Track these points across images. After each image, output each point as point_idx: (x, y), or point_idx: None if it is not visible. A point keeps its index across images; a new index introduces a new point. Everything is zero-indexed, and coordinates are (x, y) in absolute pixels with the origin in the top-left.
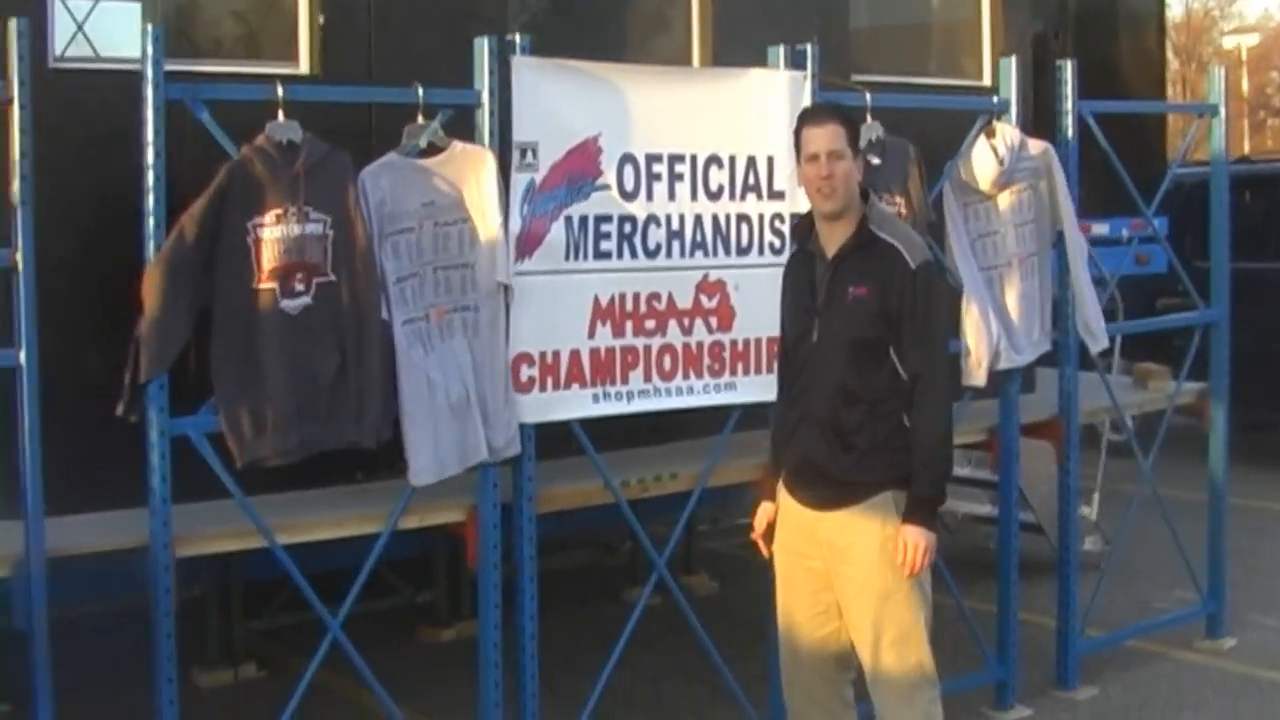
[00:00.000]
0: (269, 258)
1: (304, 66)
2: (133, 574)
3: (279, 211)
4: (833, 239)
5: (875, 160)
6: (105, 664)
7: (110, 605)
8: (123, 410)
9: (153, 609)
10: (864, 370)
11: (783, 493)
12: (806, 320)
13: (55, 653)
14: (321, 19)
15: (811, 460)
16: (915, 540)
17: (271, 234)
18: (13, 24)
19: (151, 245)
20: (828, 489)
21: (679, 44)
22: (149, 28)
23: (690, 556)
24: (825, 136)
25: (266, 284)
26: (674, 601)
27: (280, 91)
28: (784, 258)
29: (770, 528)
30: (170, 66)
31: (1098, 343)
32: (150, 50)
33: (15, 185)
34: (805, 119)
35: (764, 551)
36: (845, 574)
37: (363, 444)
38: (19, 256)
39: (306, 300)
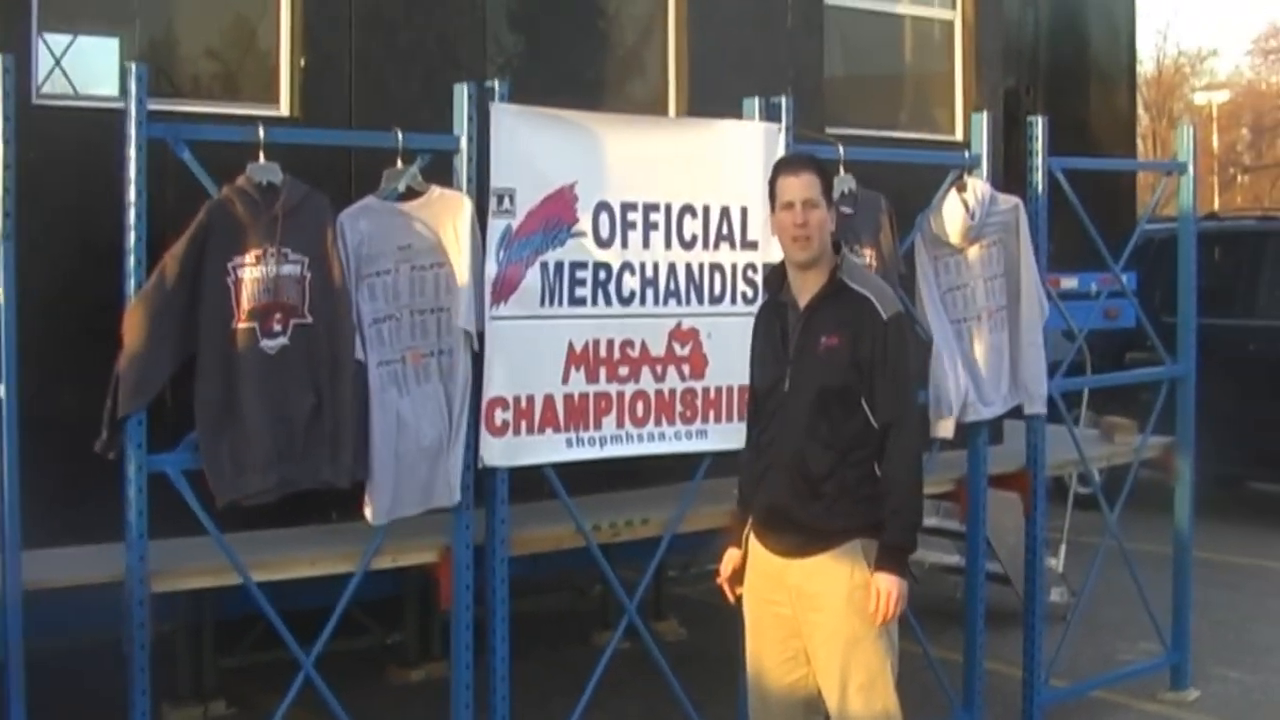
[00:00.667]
0: (248, 297)
1: (284, 108)
2: (107, 609)
3: (258, 252)
4: (805, 288)
5: (848, 211)
6: (76, 698)
7: (83, 640)
8: (101, 447)
9: (127, 643)
10: (834, 419)
11: (752, 539)
12: (778, 369)
13: (29, 686)
14: (303, 61)
15: (780, 507)
16: (888, 588)
17: (251, 274)
18: None
19: (132, 282)
20: (797, 536)
21: (655, 92)
22: (133, 67)
23: (660, 602)
24: (801, 185)
25: (245, 323)
26: (644, 646)
27: (262, 133)
28: (756, 307)
29: (736, 573)
30: (151, 106)
31: (1034, 405)
32: (134, 89)
33: None
34: (781, 168)
35: (729, 596)
36: (813, 620)
37: (337, 484)
38: (0, 291)
39: (284, 341)
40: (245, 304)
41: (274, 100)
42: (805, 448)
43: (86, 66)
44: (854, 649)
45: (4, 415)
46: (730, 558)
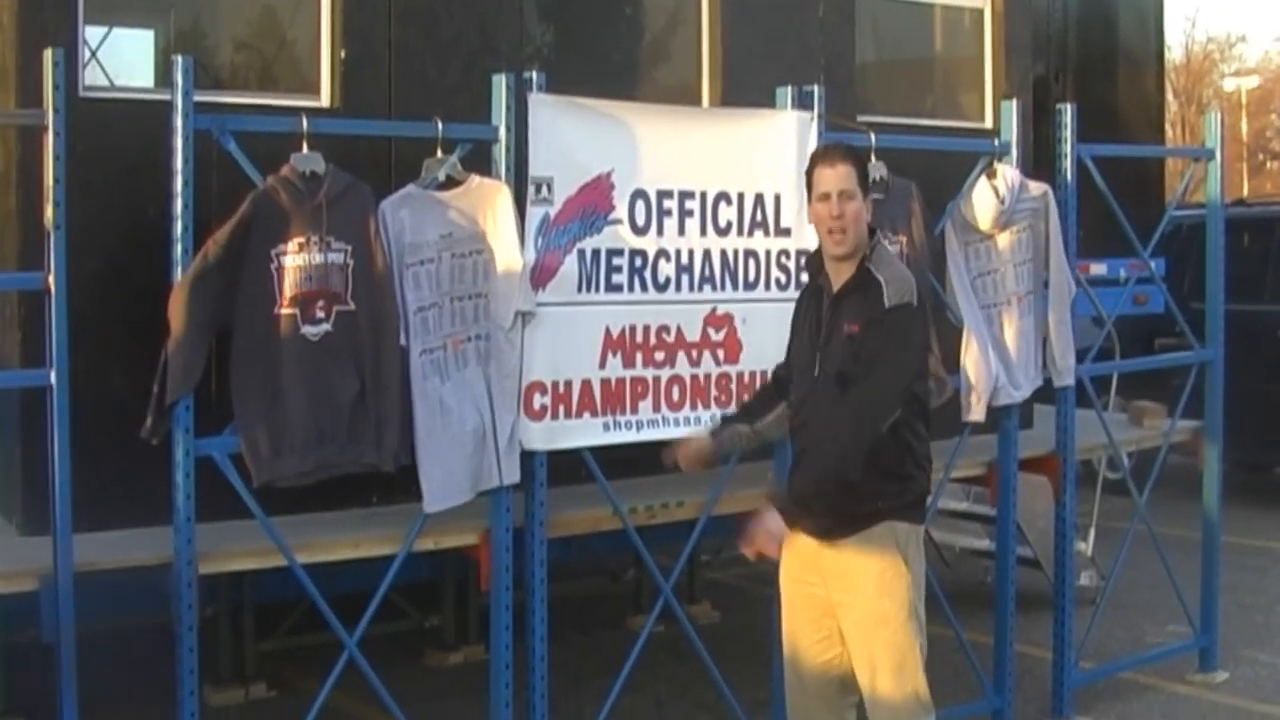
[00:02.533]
0: (291, 285)
1: (324, 99)
2: (153, 591)
3: (301, 240)
4: (839, 276)
5: (878, 197)
6: (120, 679)
7: (130, 621)
8: (148, 431)
9: (176, 625)
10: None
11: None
12: (810, 354)
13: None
14: (343, 53)
15: (814, 492)
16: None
17: (294, 262)
18: (49, 53)
19: (179, 271)
20: (829, 519)
21: (688, 81)
22: (179, 59)
23: (693, 586)
24: (837, 177)
25: (288, 310)
26: (678, 629)
27: (305, 124)
28: (790, 293)
29: (695, 452)
30: (195, 97)
31: (1062, 378)
32: (180, 81)
33: (49, 210)
34: (818, 159)
35: (677, 461)
36: (845, 602)
37: (381, 468)
38: (51, 279)
39: (327, 327)
40: (288, 291)
41: (314, 91)
42: (825, 430)
43: (121, 59)
44: (883, 630)
45: (56, 400)
46: (698, 436)
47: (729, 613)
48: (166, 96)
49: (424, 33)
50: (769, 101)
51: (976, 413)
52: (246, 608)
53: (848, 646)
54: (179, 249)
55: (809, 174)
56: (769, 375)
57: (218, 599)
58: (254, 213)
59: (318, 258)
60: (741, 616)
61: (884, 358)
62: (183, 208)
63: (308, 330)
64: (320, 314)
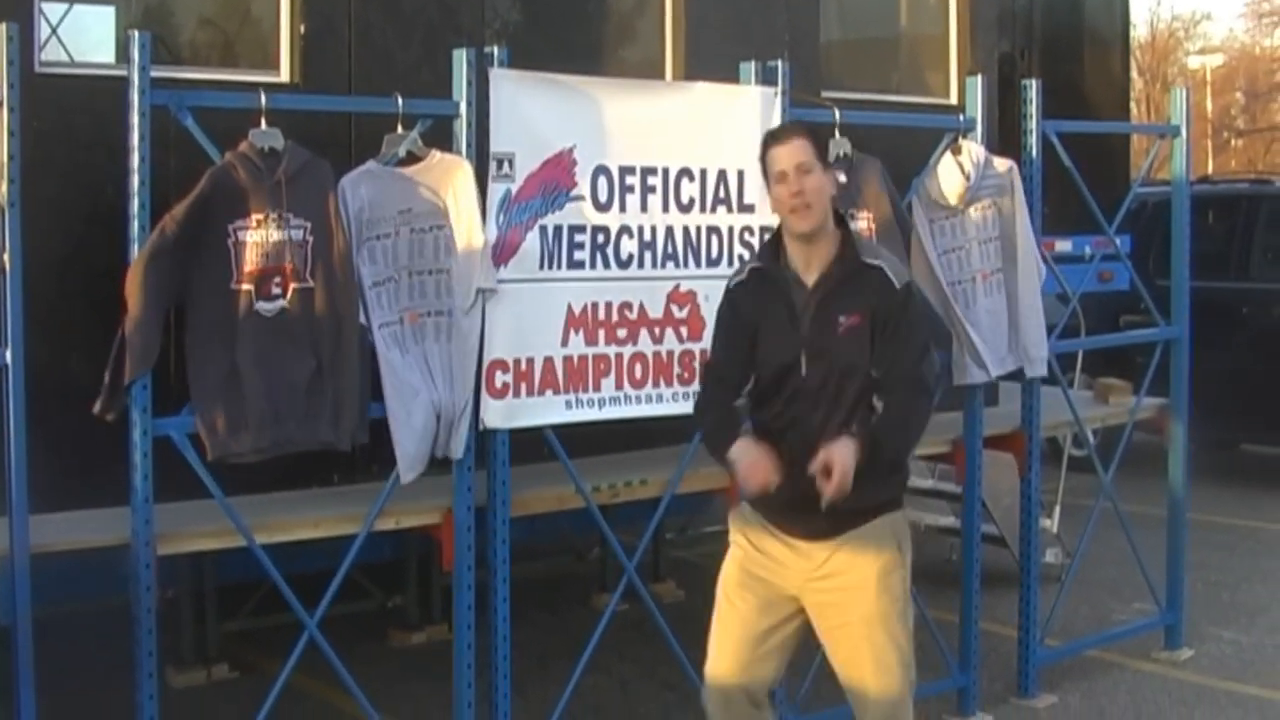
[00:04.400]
0: (248, 261)
1: (284, 75)
2: (111, 572)
3: (260, 216)
4: (811, 262)
5: (842, 178)
6: (81, 662)
7: (87, 604)
8: (100, 409)
9: (134, 606)
10: (862, 400)
11: (758, 523)
12: (791, 351)
13: (35, 650)
14: (303, 28)
15: (807, 494)
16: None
17: (252, 238)
18: (2, 27)
19: (135, 248)
20: (827, 519)
21: (652, 57)
22: (135, 34)
23: (658, 564)
24: (790, 152)
25: (245, 286)
26: (643, 608)
27: (264, 99)
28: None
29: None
30: (153, 74)
31: (1034, 369)
32: (137, 57)
33: (3, 187)
34: (769, 140)
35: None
36: (835, 602)
37: (338, 446)
38: (7, 258)
39: (283, 304)
40: (245, 267)
41: (274, 67)
42: (826, 430)
43: (82, 36)
44: (882, 628)
45: (11, 380)
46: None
47: (694, 591)
48: (125, 73)
49: (385, 8)
50: (733, 78)
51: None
52: (208, 589)
53: (836, 645)
54: (136, 227)
55: (763, 158)
56: (709, 380)
57: (179, 580)
58: (212, 189)
59: (276, 234)
60: (706, 595)
61: (912, 330)
62: (139, 185)
63: (263, 307)
64: (277, 290)
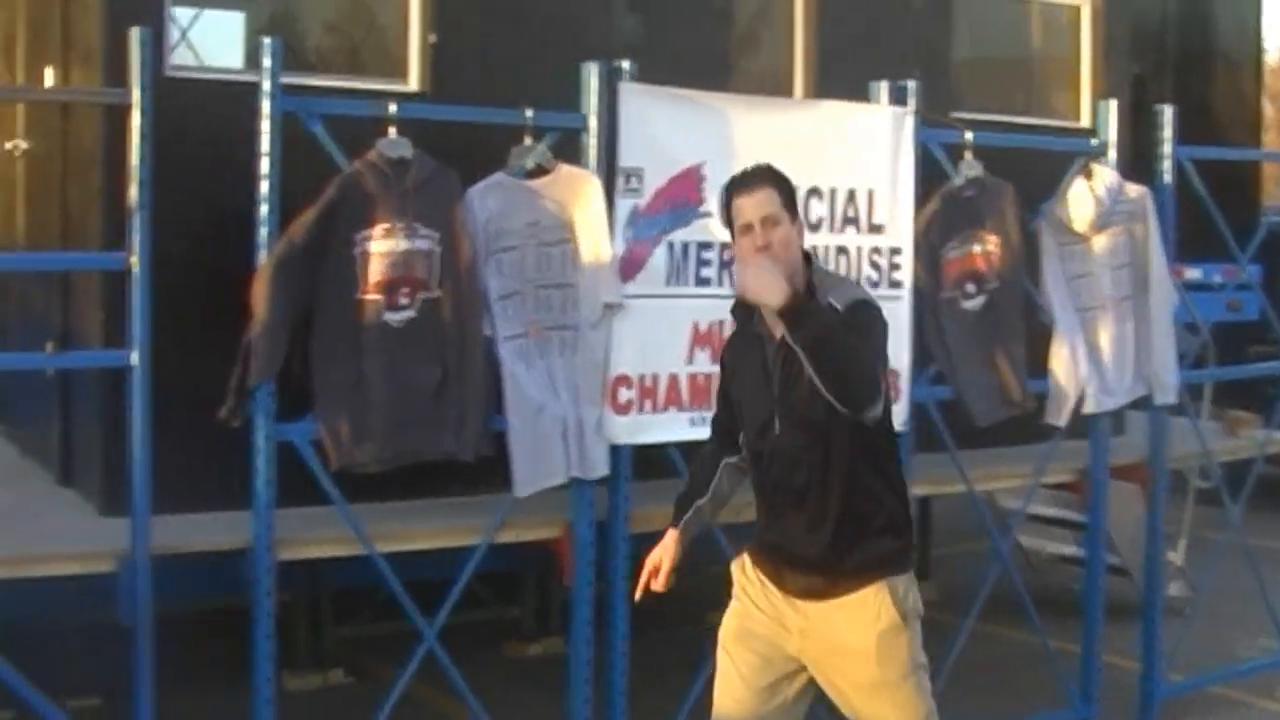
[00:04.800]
0: (375, 271)
1: (413, 84)
2: (230, 575)
3: (387, 226)
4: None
5: (970, 194)
6: (196, 662)
7: (204, 605)
8: (225, 414)
9: (253, 611)
10: (831, 451)
11: (757, 579)
12: (766, 410)
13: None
14: (433, 38)
15: (800, 555)
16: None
17: (379, 248)
18: (135, 32)
19: (263, 254)
20: (819, 578)
21: (779, 71)
22: (266, 41)
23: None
24: (756, 204)
25: (372, 296)
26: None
27: (393, 108)
28: (881, 291)
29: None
30: (283, 80)
31: (1165, 396)
32: (268, 62)
33: (133, 190)
34: (732, 187)
35: (656, 584)
36: (839, 666)
37: (461, 457)
38: (135, 259)
39: (410, 314)
40: (373, 277)
41: (402, 76)
42: (810, 490)
43: (212, 41)
44: (888, 696)
45: (137, 381)
46: (663, 543)
47: None
48: (254, 78)
49: (513, 18)
50: (862, 95)
51: (1061, 418)
52: (325, 594)
53: (847, 711)
54: (264, 232)
55: (726, 207)
56: (711, 430)
57: (295, 585)
58: (340, 197)
59: (403, 244)
60: None
61: (856, 341)
62: (269, 190)
63: (390, 317)
64: (404, 301)
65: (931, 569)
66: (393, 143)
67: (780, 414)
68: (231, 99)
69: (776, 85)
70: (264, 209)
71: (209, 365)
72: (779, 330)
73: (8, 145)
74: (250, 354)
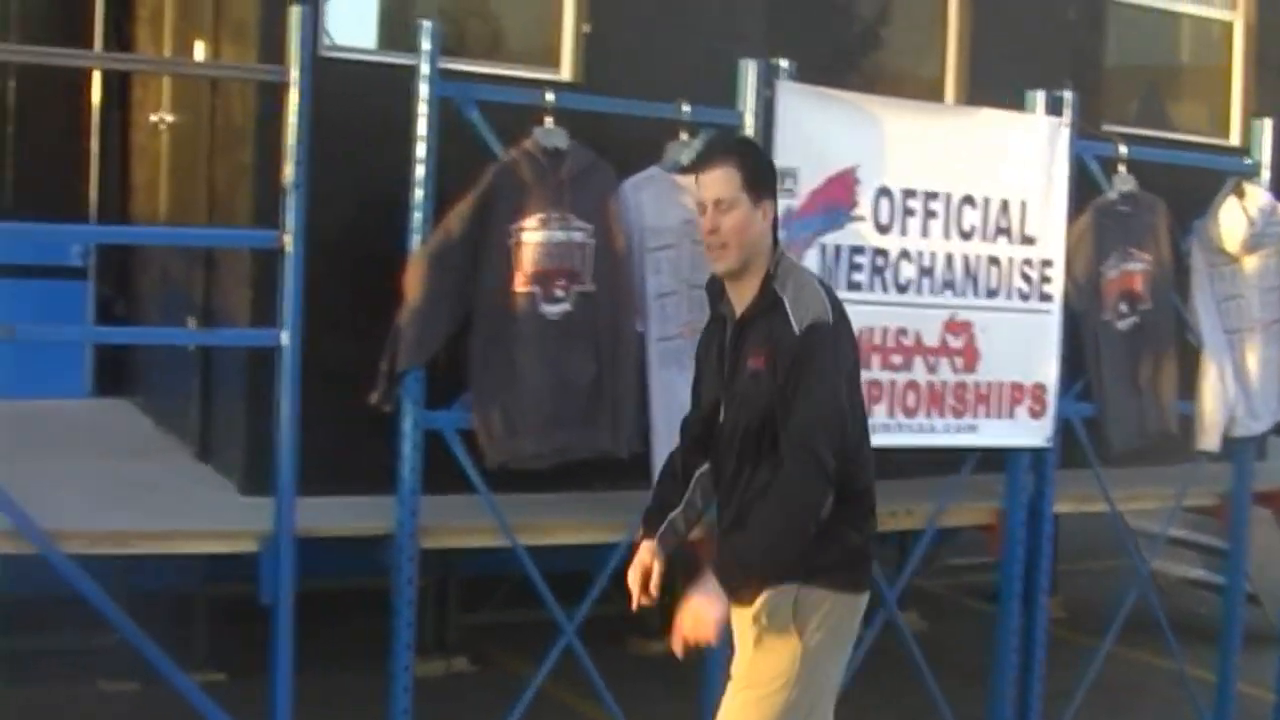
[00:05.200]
0: (530, 261)
1: (565, 73)
2: (364, 558)
3: (542, 216)
4: (739, 300)
5: (1125, 210)
6: (325, 642)
7: (329, 585)
8: (377, 399)
9: (394, 598)
10: (765, 454)
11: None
12: (715, 396)
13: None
14: (587, 28)
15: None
16: (693, 611)
17: (533, 238)
18: (294, 9)
19: (416, 238)
20: (731, 587)
21: (931, 77)
22: (426, 24)
23: (902, 594)
24: (711, 182)
25: (526, 287)
26: (889, 637)
27: (551, 97)
28: (1031, 304)
29: (647, 574)
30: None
31: None
32: (427, 46)
33: (288, 168)
34: (696, 162)
35: (637, 600)
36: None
37: (617, 454)
38: (288, 238)
39: (566, 306)
40: (527, 268)
41: (554, 65)
42: (743, 484)
43: (345, 20)
44: (740, 696)
45: (286, 362)
46: (641, 557)
47: (936, 621)
48: (408, 60)
49: (669, 10)
50: (1014, 103)
51: (1209, 442)
52: (452, 580)
53: None
54: (418, 217)
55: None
56: (680, 432)
57: (425, 570)
58: (495, 186)
59: (559, 235)
60: (949, 626)
61: (799, 403)
62: (424, 175)
63: (547, 309)
64: (560, 293)
65: (1059, 585)
66: (549, 132)
67: (726, 400)
68: (383, 81)
69: (927, 90)
70: (418, 193)
71: (355, 348)
72: (740, 309)
73: (153, 118)
74: (400, 339)
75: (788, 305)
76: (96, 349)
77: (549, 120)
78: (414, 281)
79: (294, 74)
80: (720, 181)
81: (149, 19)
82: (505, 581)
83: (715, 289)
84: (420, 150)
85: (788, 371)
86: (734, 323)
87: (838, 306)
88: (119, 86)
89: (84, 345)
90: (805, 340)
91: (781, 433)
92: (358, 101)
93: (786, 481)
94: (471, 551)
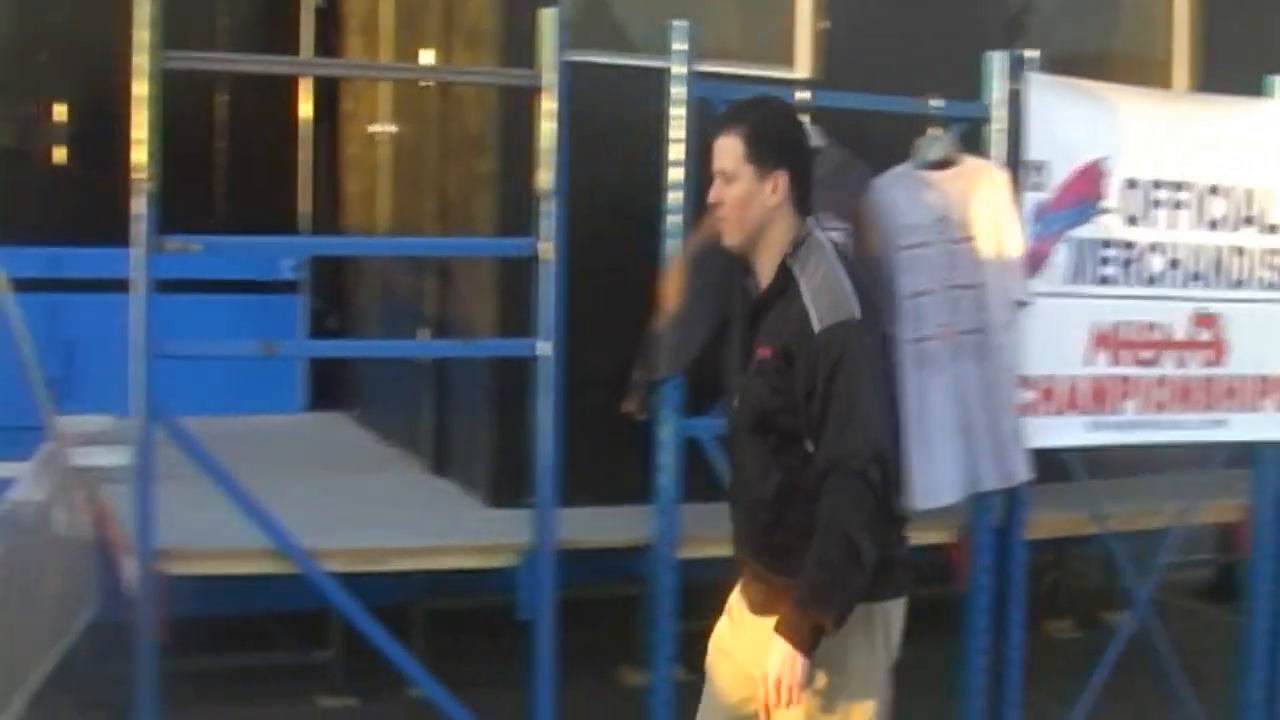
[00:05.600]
0: None
1: (801, 70)
2: (613, 566)
3: None
4: (761, 277)
5: None
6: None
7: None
8: (631, 408)
9: (654, 609)
10: (773, 448)
11: (738, 590)
12: (732, 381)
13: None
14: (824, 24)
15: (743, 555)
16: (775, 669)
17: None
18: (548, 12)
19: (670, 243)
20: (757, 590)
21: (1158, 63)
22: (680, 24)
23: (1109, 594)
24: (718, 152)
25: None
26: (1093, 635)
27: (803, 95)
28: (1276, 294)
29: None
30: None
31: None
32: (682, 46)
33: (542, 175)
34: (713, 125)
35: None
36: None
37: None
38: (547, 245)
39: None
40: None
41: (789, 62)
42: (752, 481)
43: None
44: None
45: (546, 372)
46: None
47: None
48: (652, 62)
49: (906, 4)
50: (1248, 89)
51: None
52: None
53: None
54: (672, 220)
55: None
56: None
57: (640, 579)
58: None
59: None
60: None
61: (833, 423)
62: (678, 178)
63: None
64: None
65: None
66: None
67: (739, 388)
68: (631, 82)
69: (1155, 76)
70: (672, 197)
71: (606, 355)
72: (762, 285)
73: (370, 129)
74: (657, 346)
75: (806, 295)
76: (311, 363)
77: (806, 119)
78: (670, 286)
79: (548, 78)
80: (723, 151)
81: (359, 29)
82: (719, 589)
83: (744, 262)
84: (675, 153)
85: (810, 380)
86: (750, 304)
87: (867, 297)
88: (327, 99)
89: (298, 360)
90: (829, 343)
91: (820, 435)
92: (601, 105)
93: (834, 512)
94: (685, 559)
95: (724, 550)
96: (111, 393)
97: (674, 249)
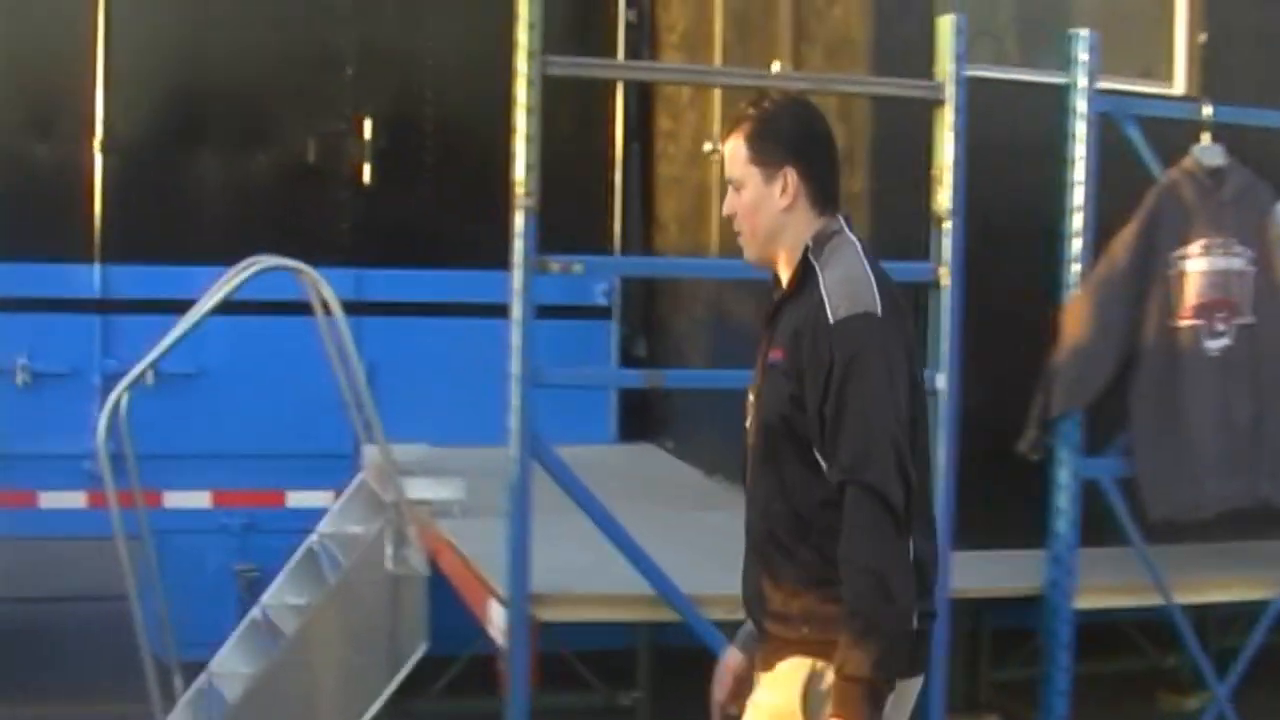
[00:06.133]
0: (1193, 293)
1: (1177, 86)
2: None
3: (1205, 242)
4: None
5: None
6: None
7: None
8: (1025, 446)
9: (1047, 662)
10: (787, 467)
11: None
12: (748, 395)
13: None
14: (1203, 37)
15: (748, 595)
16: None
17: (1196, 266)
18: (948, 20)
19: (1074, 269)
20: (762, 632)
21: None
22: (1080, 34)
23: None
24: (726, 159)
25: (1189, 321)
26: None
27: (1208, 111)
28: None
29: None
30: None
31: None
32: (1084, 57)
33: (941, 196)
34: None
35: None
36: None
37: (1274, 503)
38: (944, 271)
39: (1226, 341)
40: (1189, 300)
41: (1166, 77)
42: (763, 508)
43: None
44: None
45: (945, 406)
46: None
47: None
48: (1040, 77)
49: None
50: None
51: None
52: (984, 633)
53: None
54: (1076, 245)
55: None
56: None
57: (955, 623)
58: (1159, 210)
59: (1220, 263)
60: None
61: (853, 393)
62: (1082, 200)
63: (1209, 345)
64: (1221, 326)
65: None
66: (1209, 149)
67: (753, 401)
68: (1019, 97)
69: None
70: (1075, 220)
71: (996, 389)
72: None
73: (705, 148)
74: (1057, 380)
75: (824, 286)
76: (623, 392)
77: (1205, 136)
78: (1075, 317)
79: (950, 90)
80: (729, 159)
81: (680, 44)
82: (1034, 635)
83: (772, 276)
84: (1076, 173)
85: (823, 377)
86: (770, 309)
87: (890, 296)
88: (640, 119)
89: (610, 389)
90: (843, 335)
91: (830, 442)
92: (991, 121)
93: (854, 541)
94: (1002, 603)
95: (1123, 600)
96: (406, 420)
97: (1076, 276)
